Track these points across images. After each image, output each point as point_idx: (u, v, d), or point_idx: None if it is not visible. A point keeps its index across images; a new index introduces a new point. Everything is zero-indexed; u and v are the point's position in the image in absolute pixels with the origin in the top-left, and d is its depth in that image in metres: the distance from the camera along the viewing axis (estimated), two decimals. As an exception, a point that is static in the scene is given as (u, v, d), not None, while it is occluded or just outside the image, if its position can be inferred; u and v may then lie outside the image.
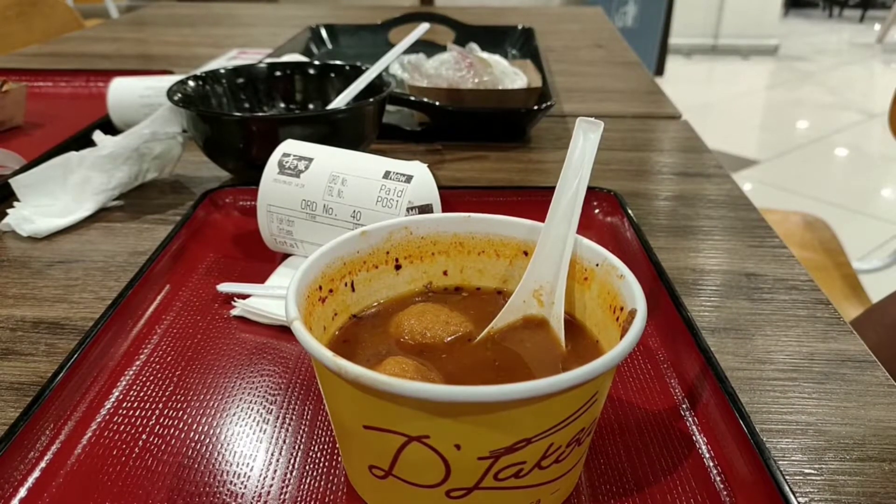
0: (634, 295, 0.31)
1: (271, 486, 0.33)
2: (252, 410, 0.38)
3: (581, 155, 0.36)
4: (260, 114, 0.70)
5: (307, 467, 0.34)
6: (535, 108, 0.76)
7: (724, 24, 4.50)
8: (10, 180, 0.58)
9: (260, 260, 0.52)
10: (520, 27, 1.21)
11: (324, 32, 1.21)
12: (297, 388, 0.39)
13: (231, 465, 0.34)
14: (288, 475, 0.33)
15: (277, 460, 0.34)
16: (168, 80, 0.70)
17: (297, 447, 0.35)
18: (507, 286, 0.38)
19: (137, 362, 0.41)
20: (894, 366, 0.42)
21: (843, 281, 1.04)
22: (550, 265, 0.35)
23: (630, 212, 0.55)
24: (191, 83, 0.66)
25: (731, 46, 4.55)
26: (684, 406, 0.38)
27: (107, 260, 0.53)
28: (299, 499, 0.32)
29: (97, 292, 0.49)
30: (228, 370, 0.41)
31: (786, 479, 0.31)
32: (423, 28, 0.72)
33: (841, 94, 3.87)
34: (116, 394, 0.39)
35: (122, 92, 0.76)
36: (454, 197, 0.57)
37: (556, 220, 0.36)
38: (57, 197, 0.59)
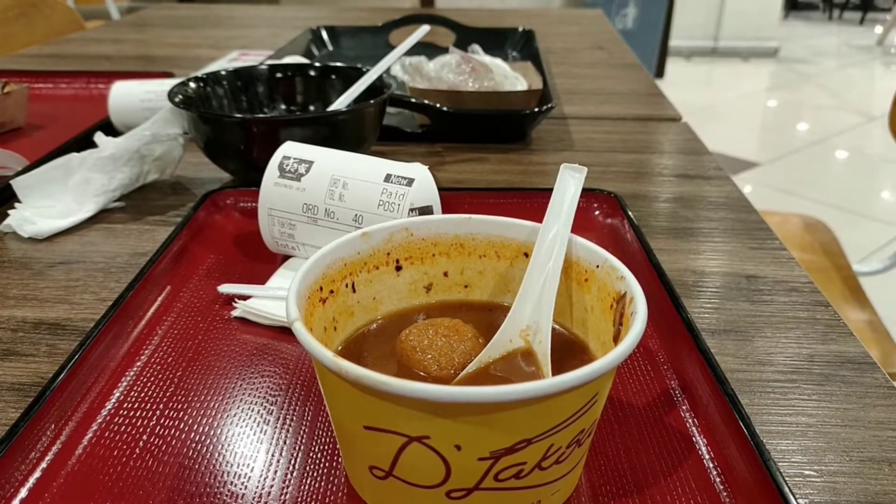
0: (635, 296, 0.31)
1: (272, 486, 0.33)
2: (252, 411, 0.38)
3: (563, 195, 0.36)
4: (261, 115, 0.70)
5: (308, 468, 0.34)
6: (536, 109, 0.76)
7: (724, 26, 4.50)
8: (12, 181, 0.58)
9: (261, 261, 0.52)
10: (520, 29, 1.21)
11: (324, 34, 1.21)
12: (298, 388, 0.39)
13: (232, 465, 0.34)
14: (288, 476, 0.34)
15: (278, 461, 0.34)
16: (168, 84, 0.70)
17: (297, 448, 0.35)
18: (508, 289, 0.38)
19: (138, 363, 0.41)
20: None
21: (843, 283, 1.04)
22: (537, 304, 0.34)
23: (630, 213, 0.55)
24: (192, 85, 0.66)
25: (731, 49, 4.55)
26: (684, 407, 0.38)
27: (108, 261, 0.53)
28: (300, 499, 0.32)
29: (98, 293, 0.49)
30: (229, 371, 0.41)
31: (786, 481, 0.31)
32: (423, 30, 0.72)
33: (841, 96, 3.87)
34: (117, 394, 0.39)
35: (123, 96, 0.76)
36: (455, 199, 0.57)
37: (540, 257, 0.35)
38: (58, 198, 0.59)
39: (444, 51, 0.87)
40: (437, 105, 0.75)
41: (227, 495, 0.32)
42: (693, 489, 0.33)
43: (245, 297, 0.46)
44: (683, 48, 4.49)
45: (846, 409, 0.38)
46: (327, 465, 0.34)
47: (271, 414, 0.38)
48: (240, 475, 0.34)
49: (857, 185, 2.74)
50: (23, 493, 0.32)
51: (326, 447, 0.35)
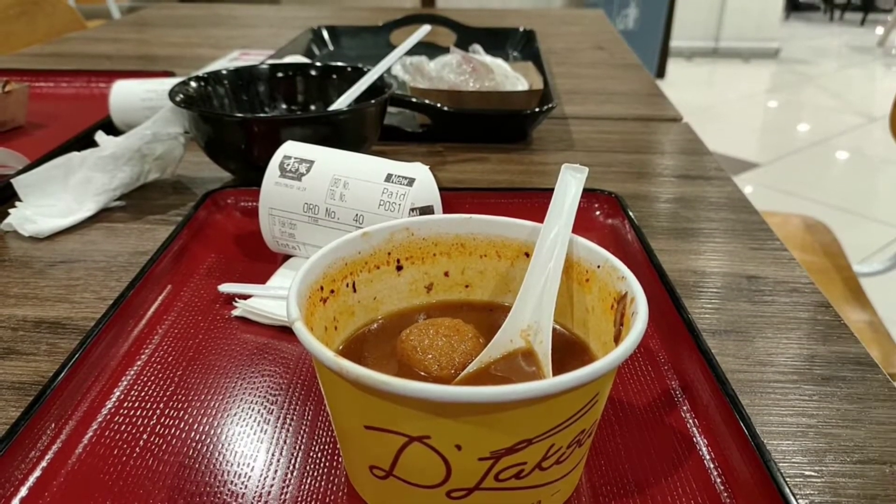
0: (636, 296, 0.31)
1: (272, 486, 0.33)
2: (253, 411, 0.38)
3: (564, 196, 0.36)
4: (261, 115, 0.70)
5: (308, 467, 0.34)
6: (537, 109, 0.76)
7: (725, 26, 4.50)
8: (13, 180, 0.58)
9: (261, 260, 0.52)
10: (521, 29, 1.21)
11: (325, 34, 1.21)
12: (298, 388, 0.39)
13: (232, 465, 0.34)
14: (289, 475, 0.34)
15: (278, 460, 0.34)
16: (169, 83, 0.70)
17: (297, 447, 0.35)
18: (509, 289, 0.38)
19: (138, 362, 0.41)
20: None
21: (843, 284, 1.04)
22: (537, 304, 0.34)
23: (631, 214, 0.55)
24: (192, 84, 0.66)
25: (732, 49, 4.55)
26: (685, 408, 0.38)
27: (108, 260, 0.53)
28: (300, 499, 0.32)
29: (99, 292, 0.49)
30: (229, 370, 0.41)
31: (786, 481, 0.31)
32: (424, 30, 0.72)
33: (842, 97, 3.87)
34: (117, 393, 0.39)
35: (124, 95, 0.76)
36: (455, 198, 0.57)
37: (541, 257, 0.35)
38: (59, 197, 0.59)
39: (445, 51, 0.87)
40: (438, 105, 0.74)
41: (227, 494, 0.32)
42: (693, 489, 0.33)
43: (246, 297, 0.46)
44: (684, 49, 4.49)
45: (847, 410, 0.38)
46: (327, 464, 0.34)
47: (271, 413, 0.38)
48: (240, 474, 0.34)
49: (858, 185, 2.74)
50: (23, 492, 0.32)
51: (326, 447, 0.35)
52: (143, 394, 0.39)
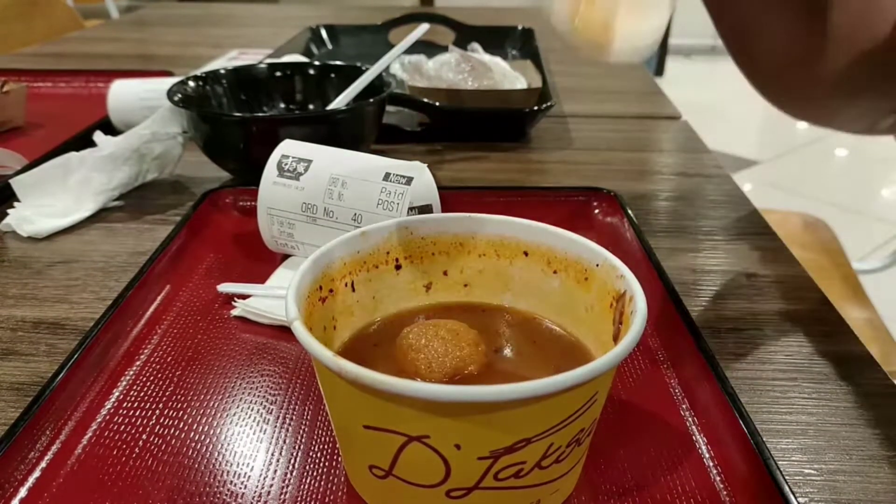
0: (635, 294, 0.31)
1: (271, 486, 0.33)
2: (252, 410, 0.38)
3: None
4: (260, 114, 0.70)
5: (307, 467, 0.34)
6: (536, 108, 0.76)
7: (724, 24, 4.49)
8: (11, 180, 0.58)
9: (260, 260, 0.52)
10: (520, 28, 1.21)
11: (324, 33, 1.21)
12: (298, 388, 0.39)
13: (231, 465, 0.34)
14: (288, 475, 0.34)
15: (277, 460, 0.34)
16: (168, 82, 0.70)
17: (297, 447, 0.35)
18: (507, 288, 0.38)
19: (138, 362, 0.41)
20: None
21: (843, 281, 1.04)
22: None
23: (630, 212, 0.55)
24: (191, 83, 0.66)
25: (731, 47, 4.54)
26: (684, 406, 0.38)
27: (107, 260, 0.53)
28: (299, 499, 0.32)
29: (97, 292, 0.49)
30: (229, 370, 0.41)
31: (786, 480, 0.31)
32: (422, 28, 0.72)
33: (841, 94, 3.86)
34: (116, 394, 0.39)
35: (122, 95, 0.76)
36: (454, 197, 0.56)
37: None
38: (57, 197, 0.59)
39: (444, 49, 0.87)
40: (437, 104, 0.74)
41: (226, 494, 0.32)
42: (693, 488, 0.33)
43: (244, 297, 0.46)
44: (683, 46, 4.48)
45: (846, 408, 0.38)
46: (327, 464, 0.34)
47: (271, 413, 0.38)
48: (240, 474, 0.34)
49: (858, 183, 2.74)
50: (22, 492, 0.32)
51: (326, 447, 0.35)
52: (142, 394, 0.39)
